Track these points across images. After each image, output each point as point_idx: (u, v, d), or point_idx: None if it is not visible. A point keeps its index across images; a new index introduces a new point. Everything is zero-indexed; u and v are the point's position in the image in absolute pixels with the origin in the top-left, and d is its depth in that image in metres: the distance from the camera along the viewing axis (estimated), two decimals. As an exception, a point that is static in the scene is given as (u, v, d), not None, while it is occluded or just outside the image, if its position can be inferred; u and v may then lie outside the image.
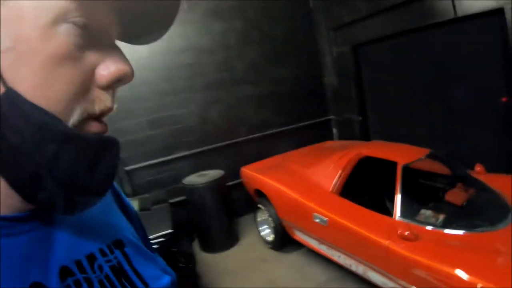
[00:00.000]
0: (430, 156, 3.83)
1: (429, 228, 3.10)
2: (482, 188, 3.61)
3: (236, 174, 5.31)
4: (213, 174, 4.99)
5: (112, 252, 0.67)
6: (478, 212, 3.31)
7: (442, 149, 4.12)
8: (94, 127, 0.54)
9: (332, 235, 3.72)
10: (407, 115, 5.43)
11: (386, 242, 3.06)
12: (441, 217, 3.20)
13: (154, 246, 1.02)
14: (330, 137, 6.68)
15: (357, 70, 5.97)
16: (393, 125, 5.75)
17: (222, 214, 4.97)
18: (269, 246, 4.87)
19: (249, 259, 4.70)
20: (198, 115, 5.51)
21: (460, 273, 2.53)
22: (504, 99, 4.19)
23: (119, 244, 0.70)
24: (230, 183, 5.47)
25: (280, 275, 4.23)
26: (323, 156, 4.50)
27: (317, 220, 3.74)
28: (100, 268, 0.63)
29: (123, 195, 0.86)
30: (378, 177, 4.28)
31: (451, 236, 2.99)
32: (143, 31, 0.63)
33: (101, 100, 0.54)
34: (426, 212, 3.28)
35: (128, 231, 0.76)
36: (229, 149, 5.74)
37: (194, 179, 4.90)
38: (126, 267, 0.68)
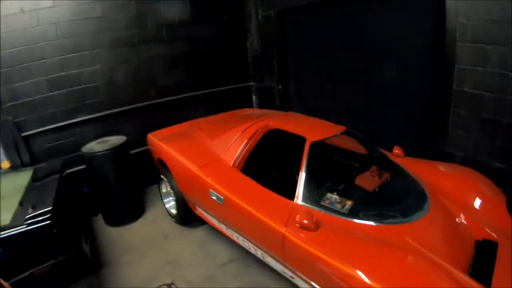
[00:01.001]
0: (345, 134, 3.27)
1: (333, 215, 2.55)
2: (398, 173, 3.12)
3: (146, 141, 4.57)
4: (115, 140, 4.23)
5: None
6: (391, 201, 2.83)
7: (363, 127, 3.60)
8: None
9: (229, 215, 3.14)
10: (330, 87, 4.86)
11: (283, 230, 2.50)
12: (349, 203, 2.68)
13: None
14: (250, 105, 6.03)
15: (282, 37, 5.31)
16: (314, 97, 5.18)
17: (125, 185, 4.29)
18: (174, 220, 4.24)
19: (152, 234, 4.12)
20: (105, 75, 4.64)
21: (361, 275, 2.04)
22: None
23: None
24: (138, 150, 4.75)
25: (183, 253, 3.71)
26: (231, 126, 3.82)
27: (214, 198, 3.14)
28: None
29: None
30: (289, 154, 3.70)
31: (357, 226, 2.47)
32: None
33: None
34: (332, 197, 2.75)
35: None
36: (138, 114, 4.93)
37: (94, 146, 4.13)
38: None
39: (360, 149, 3.44)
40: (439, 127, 3.56)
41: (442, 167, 3.24)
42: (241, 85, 5.88)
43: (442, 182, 3.01)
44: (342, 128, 3.28)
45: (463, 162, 3.41)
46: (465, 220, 2.69)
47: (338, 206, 2.63)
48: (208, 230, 3.98)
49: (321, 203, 2.68)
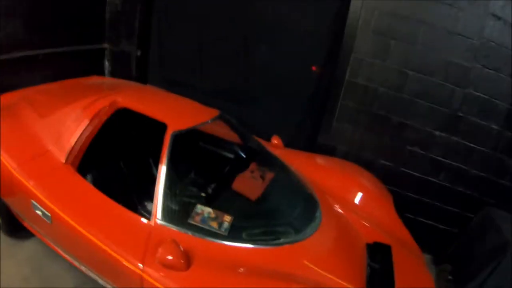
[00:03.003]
0: (218, 120, 2.38)
1: (208, 239, 1.68)
2: (282, 171, 2.39)
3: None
4: None
5: None
6: (279, 212, 2.09)
7: (234, 111, 2.75)
8: None
9: (62, 239, 2.01)
10: (199, 61, 3.76)
11: (139, 269, 1.53)
12: (227, 220, 1.82)
13: None
14: (102, 72, 4.36)
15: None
16: (179, 70, 3.95)
17: None
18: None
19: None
20: None
21: None
22: (313, 68, 3.10)
23: None
24: None
25: (13, 280, 2.29)
26: (68, 100, 2.39)
27: (39, 213, 1.94)
28: None
29: None
30: (145, 142, 2.64)
31: (242, 253, 1.67)
32: None
33: None
34: (204, 211, 1.83)
35: None
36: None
37: None
38: None
39: (234, 137, 2.62)
40: (323, 118, 2.97)
41: (323, 160, 2.67)
42: (93, 46, 4.20)
43: (325, 178, 2.43)
44: (214, 113, 2.39)
45: (346, 156, 2.94)
46: (354, 221, 2.17)
47: (214, 225, 1.75)
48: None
49: (190, 221, 1.77)
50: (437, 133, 2.68)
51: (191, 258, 1.52)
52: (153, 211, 1.69)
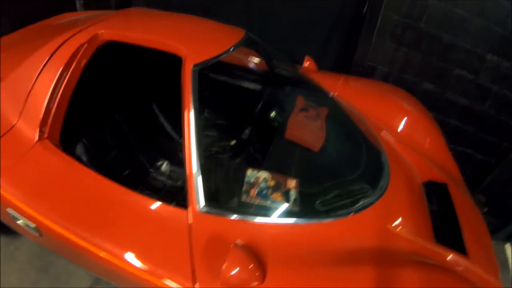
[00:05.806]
0: (244, 44, 1.49)
1: (275, 223, 1.01)
2: (332, 105, 1.64)
3: None
4: None
5: None
6: (345, 160, 1.40)
7: (244, 26, 1.80)
8: None
9: (63, 253, 1.30)
10: None
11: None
12: (292, 186, 1.15)
13: None
14: (73, 7, 2.88)
15: None
16: None
17: None
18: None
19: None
20: None
21: None
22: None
23: None
24: None
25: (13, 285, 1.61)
26: (32, 49, 1.35)
27: (21, 223, 1.16)
28: None
29: None
30: (144, 85, 1.81)
31: (318, 231, 1.03)
32: None
33: None
34: (259, 178, 1.15)
35: None
36: None
37: None
38: None
39: (260, 65, 1.82)
40: (362, 32, 2.19)
41: (362, 84, 1.95)
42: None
43: (366, 104, 1.74)
44: (239, 33, 1.50)
45: (386, 78, 2.25)
46: (407, 156, 1.57)
47: (278, 198, 1.08)
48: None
49: (245, 198, 1.07)
50: (488, 56, 2.04)
51: (263, 259, 0.88)
52: (190, 195, 0.97)
